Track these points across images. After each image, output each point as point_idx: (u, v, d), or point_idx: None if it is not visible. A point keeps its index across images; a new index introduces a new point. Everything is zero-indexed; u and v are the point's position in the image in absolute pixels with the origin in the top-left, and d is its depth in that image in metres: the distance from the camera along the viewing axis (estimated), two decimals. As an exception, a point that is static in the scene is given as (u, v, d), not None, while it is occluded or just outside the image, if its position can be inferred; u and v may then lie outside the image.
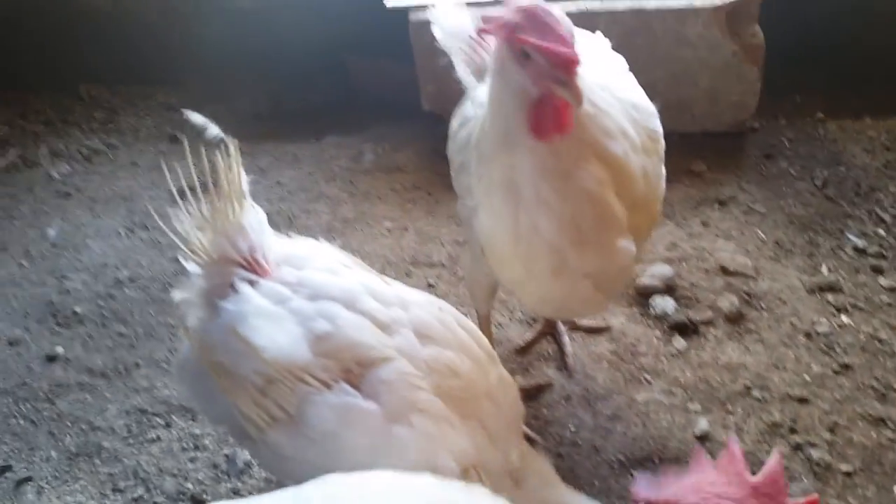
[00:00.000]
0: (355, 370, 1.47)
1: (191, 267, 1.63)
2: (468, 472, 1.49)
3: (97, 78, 4.81)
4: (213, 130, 1.63)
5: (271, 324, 1.48)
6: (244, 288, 1.54)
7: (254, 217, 1.64)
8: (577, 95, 1.53)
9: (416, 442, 1.43)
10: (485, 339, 1.73)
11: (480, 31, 1.66)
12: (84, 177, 3.96)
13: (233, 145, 1.59)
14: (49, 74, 4.75)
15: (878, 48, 3.81)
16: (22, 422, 2.53)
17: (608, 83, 1.80)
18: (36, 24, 4.64)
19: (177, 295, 1.66)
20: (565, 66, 1.53)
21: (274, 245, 1.68)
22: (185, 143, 1.60)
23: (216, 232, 1.58)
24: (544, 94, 1.59)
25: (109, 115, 4.55)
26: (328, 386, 1.44)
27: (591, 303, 1.86)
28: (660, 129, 1.87)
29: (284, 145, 4.03)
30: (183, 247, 1.61)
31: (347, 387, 1.45)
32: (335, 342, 1.48)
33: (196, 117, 1.62)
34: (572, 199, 1.65)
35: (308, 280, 1.57)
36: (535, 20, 1.54)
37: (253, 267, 1.60)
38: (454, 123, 2.14)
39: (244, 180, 1.63)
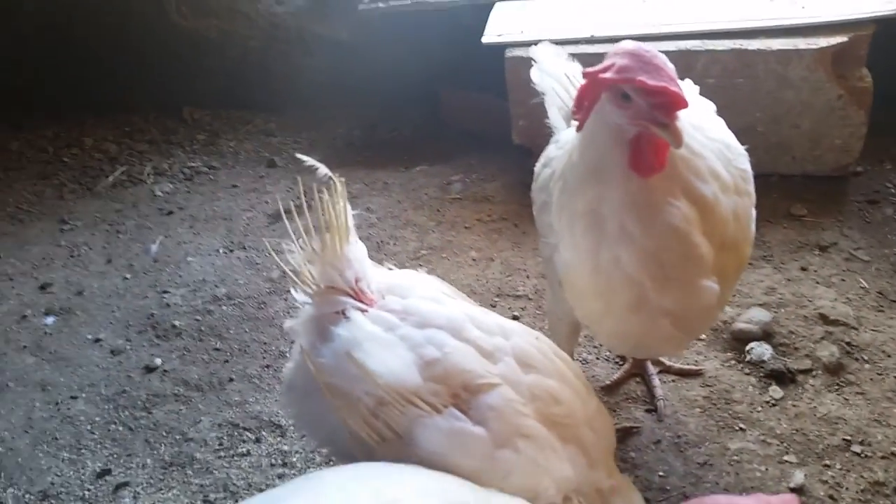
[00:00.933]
0: (463, 395, 1.52)
1: (300, 296, 1.72)
2: (569, 500, 1.50)
3: (200, 102, 5.07)
4: (323, 170, 1.74)
5: (384, 349, 1.54)
6: (356, 315, 1.61)
7: (357, 249, 1.72)
8: (677, 137, 1.54)
9: (520, 467, 1.47)
10: (580, 371, 1.75)
11: (586, 74, 1.67)
12: (186, 196, 4.16)
13: (340, 183, 1.68)
14: (155, 97, 5.05)
15: None
16: (121, 428, 2.65)
17: (701, 124, 1.79)
18: (144, 49, 4.94)
19: (287, 323, 1.74)
20: (667, 108, 1.54)
21: (376, 275, 1.75)
22: (299, 181, 1.69)
23: (325, 264, 1.67)
24: (642, 132, 1.61)
25: (211, 138, 4.77)
26: (438, 410, 1.48)
27: (669, 341, 1.83)
28: (750, 170, 1.85)
29: (375, 172, 4.13)
30: (294, 278, 1.69)
31: (457, 412, 1.50)
32: (444, 368, 1.53)
33: (307, 158, 1.74)
34: (657, 234, 1.64)
35: (414, 308, 1.64)
36: (643, 61, 1.56)
37: (358, 296, 1.67)
38: (538, 164, 2.17)
39: (350, 216, 1.71)
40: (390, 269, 1.87)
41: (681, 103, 1.54)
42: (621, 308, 1.75)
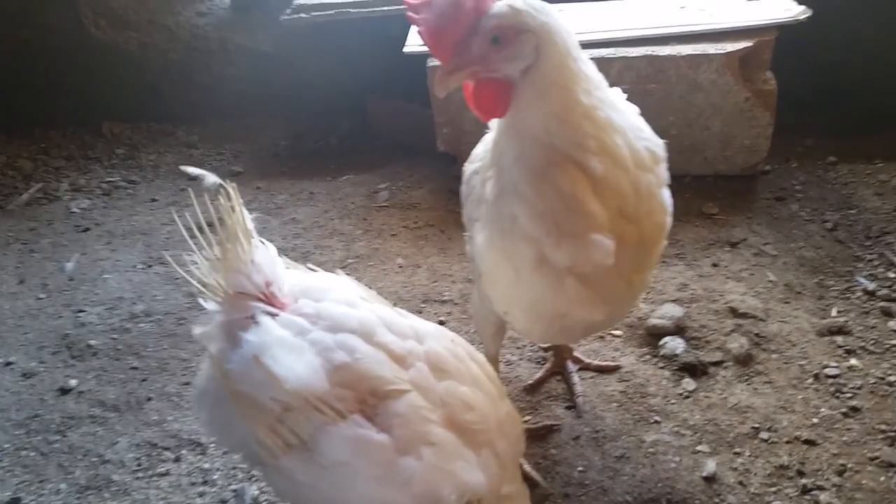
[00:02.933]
0: (370, 401, 1.51)
1: (210, 305, 1.68)
2: None
3: (119, 115, 4.95)
4: (210, 179, 1.70)
5: (292, 354, 1.53)
6: (265, 320, 1.59)
7: (265, 253, 1.69)
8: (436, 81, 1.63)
9: (422, 474, 1.46)
10: (494, 374, 1.76)
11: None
12: (103, 211, 4.05)
13: (231, 189, 1.65)
14: (72, 111, 4.91)
15: (889, 94, 3.85)
16: (32, 454, 2.55)
17: (617, 106, 1.79)
18: (61, 62, 4.81)
19: (196, 330, 1.70)
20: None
21: (290, 278, 1.73)
22: (191, 192, 1.65)
23: (230, 270, 1.63)
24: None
25: (130, 152, 4.66)
26: (343, 416, 1.48)
27: (583, 304, 1.80)
28: (660, 153, 1.84)
29: (301, 182, 4.11)
30: (201, 288, 1.66)
31: (361, 419, 1.49)
32: (352, 373, 1.52)
33: (191, 169, 1.68)
34: (544, 193, 1.66)
35: (326, 312, 1.62)
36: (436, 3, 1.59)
37: (269, 300, 1.65)
38: (466, 164, 2.19)
39: (248, 219, 1.68)
40: (312, 269, 1.84)
41: (427, 41, 1.60)
42: (527, 270, 1.76)
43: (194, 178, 1.68)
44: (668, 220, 1.88)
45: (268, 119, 4.84)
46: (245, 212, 1.65)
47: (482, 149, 2.10)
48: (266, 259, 1.68)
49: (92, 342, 3.01)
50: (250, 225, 1.66)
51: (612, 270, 1.75)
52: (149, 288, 3.33)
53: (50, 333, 3.10)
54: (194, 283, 1.67)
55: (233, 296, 1.64)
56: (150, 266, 3.50)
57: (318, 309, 1.64)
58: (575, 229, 1.68)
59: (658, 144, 1.85)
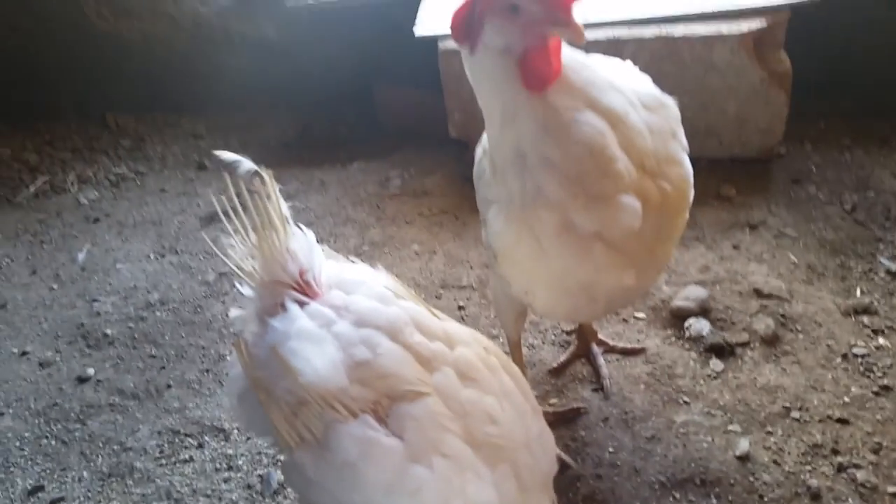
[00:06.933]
0: (384, 402, 1.44)
1: (245, 290, 1.66)
2: None
3: (124, 107, 4.89)
4: (246, 165, 1.66)
5: (312, 346, 1.48)
6: (292, 307, 1.56)
7: (303, 240, 1.66)
8: (579, 32, 1.55)
9: (433, 485, 1.39)
10: (529, 389, 1.67)
11: None
12: (112, 202, 4.00)
13: (267, 175, 1.62)
14: (76, 104, 4.84)
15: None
16: (53, 442, 2.53)
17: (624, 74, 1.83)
18: (63, 52, 4.74)
19: (232, 312, 1.68)
20: (564, 5, 1.55)
21: (327, 267, 1.69)
22: (226, 177, 1.62)
23: (265, 258, 1.61)
24: (530, 44, 1.61)
25: (136, 143, 4.61)
26: (354, 415, 1.42)
27: (609, 269, 1.76)
28: (659, 95, 1.83)
29: (311, 171, 4.07)
30: (237, 272, 1.64)
31: (371, 420, 1.42)
32: (372, 371, 1.46)
33: (227, 155, 1.65)
34: (574, 153, 1.64)
35: (355, 305, 1.57)
36: None
37: (303, 289, 1.62)
38: (478, 147, 2.16)
39: (284, 206, 1.65)
40: (353, 261, 1.81)
41: None
42: (550, 238, 1.72)
43: (230, 164, 1.65)
44: (690, 189, 1.87)
45: (274, 108, 4.79)
46: (280, 198, 1.62)
47: None
48: (303, 247, 1.64)
49: (108, 331, 2.98)
50: (286, 212, 1.63)
51: (636, 237, 1.73)
52: (163, 277, 3.29)
53: (64, 323, 3.07)
54: (231, 265, 1.66)
55: (267, 283, 1.62)
56: (162, 255, 3.46)
57: (347, 301, 1.59)
58: (602, 190, 1.66)
59: (657, 93, 1.84)
